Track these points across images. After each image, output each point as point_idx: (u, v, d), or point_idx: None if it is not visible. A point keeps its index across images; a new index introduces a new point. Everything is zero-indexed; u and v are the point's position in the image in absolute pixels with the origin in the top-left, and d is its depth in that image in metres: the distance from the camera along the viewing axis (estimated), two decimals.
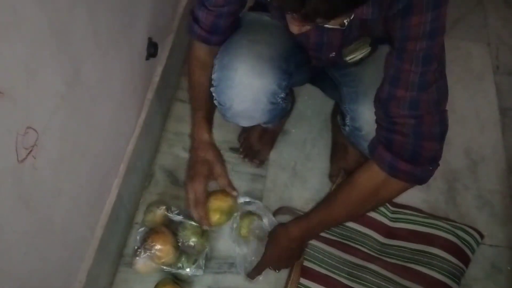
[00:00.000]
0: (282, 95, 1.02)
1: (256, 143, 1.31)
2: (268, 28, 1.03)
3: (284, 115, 1.31)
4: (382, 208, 1.21)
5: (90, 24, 0.81)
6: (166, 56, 1.29)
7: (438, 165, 0.90)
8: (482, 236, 1.20)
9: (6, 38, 0.57)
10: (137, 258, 1.06)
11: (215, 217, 1.07)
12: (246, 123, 1.10)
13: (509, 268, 1.20)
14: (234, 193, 1.06)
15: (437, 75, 0.82)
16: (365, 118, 0.96)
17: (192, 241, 1.09)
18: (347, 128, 1.04)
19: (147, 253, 1.05)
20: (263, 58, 0.98)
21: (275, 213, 1.22)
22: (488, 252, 1.21)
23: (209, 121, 1.06)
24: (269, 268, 1.11)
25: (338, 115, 1.23)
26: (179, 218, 1.12)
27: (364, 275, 1.12)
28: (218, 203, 1.07)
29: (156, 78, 1.24)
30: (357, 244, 1.18)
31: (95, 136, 0.93)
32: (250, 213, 1.17)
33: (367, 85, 0.97)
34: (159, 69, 1.26)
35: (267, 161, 1.33)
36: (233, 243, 1.15)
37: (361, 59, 1.01)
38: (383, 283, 1.11)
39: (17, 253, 0.71)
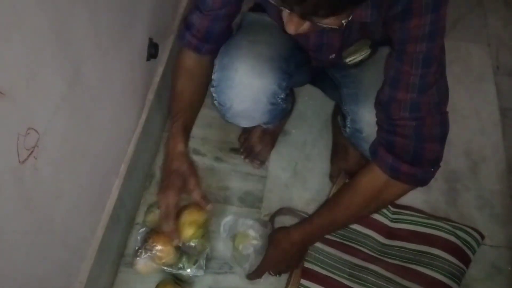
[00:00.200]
0: (282, 95, 1.02)
1: (257, 143, 1.31)
2: (268, 29, 1.03)
3: (285, 116, 1.31)
4: (382, 209, 1.21)
5: (90, 24, 0.81)
6: (167, 56, 1.29)
7: (439, 166, 0.90)
8: (482, 236, 1.20)
9: (7, 38, 0.57)
10: (138, 258, 1.06)
11: (190, 232, 1.03)
12: (246, 124, 1.09)
13: (509, 268, 1.20)
14: (209, 207, 1.00)
15: (438, 76, 0.82)
16: (366, 120, 0.96)
17: (193, 241, 1.09)
18: (347, 130, 1.04)
19: (147, 254, 1.05)
20: (263, 58, 0.98)
21: (276, 214, 1.22)
22: (489, 253, 1.21)
23: (187, 132, 1.02)
24: (269, 273, 1.11)
25: (338, 116, 1.23)
26: None
27: (365, 276, 1.12)
28: (193, 217, 1.03)
29: (157, 79, 1.24)
30: (358, 244, 1.17)
31: (96, 137, 0.93)
32: (239, 232, 1.15)
33: (367, 87, 0.97)
34: (159, 70, 1.26)
35: (268, 161, 1.33)
36: (233, 263, 1.14)
37: (361, 61, 1.01)
38: (384, 284, 1.11)
39: (18, 253, 0.71)
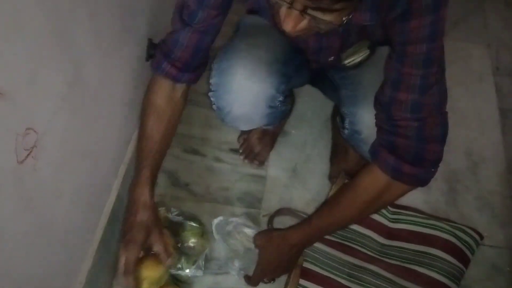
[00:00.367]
0: (281, 98, 1.02)
1: (256, 144, 1.31)
2: (266, 31, 1.02)
3: (284, 117, 1.31)
4: (382, 209, 1.21)
5: (90, 25, 0.81)
6: None
7: (438, 166, 0.90)
8: (481, 237, 1.20)
9: (7, 39, 0.57)
10: None
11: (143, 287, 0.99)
12: (245, 127, 1.09)
13: (509, 269, 1.20)
14: (168, 261, 0.95)
15: (438, 77, 0.82)
16: (365, 121, 0.96)
17: (192, 242, 1.09)
18: (346, 131, 1.03)
19: None
20: (262, 62, 0.97)
21: (275, 214, 1.22)
22: (488, 253, 1.21)
23: (153, 179, 0.96)
24: (264, 281, 1.09)
25: (337, 117, 1.23)
26: (179, 219, 1.13)
27: (364, 276, 1.12)
28: (147, 273, 0.97)
29: None
30: (357, 245, 1.18)
31: (95, 137, 0.93)
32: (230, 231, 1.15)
33: (366, 88, 0.96)
34: None
35: (267, 162, 1.33)
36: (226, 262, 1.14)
37: (360, 62, 1.00)
38: (383, 284, 1.11)
39: (17, 254, 0.71)
